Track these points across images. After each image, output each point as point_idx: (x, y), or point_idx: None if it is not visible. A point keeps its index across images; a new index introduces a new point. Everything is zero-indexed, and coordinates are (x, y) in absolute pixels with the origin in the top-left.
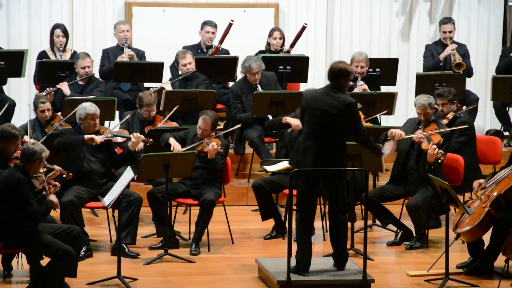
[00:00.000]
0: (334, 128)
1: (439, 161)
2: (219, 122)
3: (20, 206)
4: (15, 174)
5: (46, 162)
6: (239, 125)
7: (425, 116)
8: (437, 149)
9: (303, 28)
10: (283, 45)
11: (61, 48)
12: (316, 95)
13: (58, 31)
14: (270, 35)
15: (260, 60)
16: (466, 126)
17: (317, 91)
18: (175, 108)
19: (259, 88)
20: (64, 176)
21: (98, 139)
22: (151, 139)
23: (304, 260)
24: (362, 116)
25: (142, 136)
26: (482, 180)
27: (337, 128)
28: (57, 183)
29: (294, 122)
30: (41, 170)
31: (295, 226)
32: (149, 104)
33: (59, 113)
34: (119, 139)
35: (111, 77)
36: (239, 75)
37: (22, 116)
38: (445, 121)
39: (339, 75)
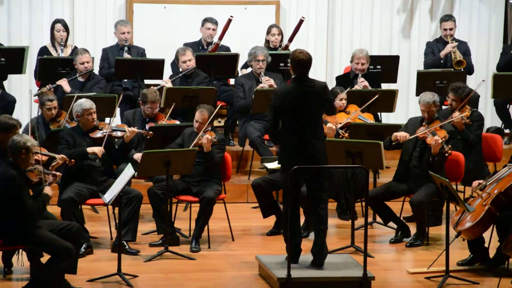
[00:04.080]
0: (317, 115)
1: (446, 154)
2: (219, 119)
3: (14, 204)
4: (7, 171)
5: (35, 152)
6: None
7: (429, 113)
8: (440, 140)
9: (301, 21)
10: (281, 41)
11: (62, 43)
12: (290, 90)
13: (58, 26)
14: (268, 32)
15: (267, 50)
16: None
17: (290, 85)
18: (172, 106)
19: (263, 78)
20: (67, 163)
21: (100, 152)
22: (151, 132)
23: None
24: (358, 109)
25: (136, 129)
26: (482, 181)
27: (319, 115)
28: (58, 173)
29: None
30: (34, 161)
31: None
32: (153, 101)
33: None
34: (119, 133)
35: (110, 81)
36: (240, 72)
37: (23, 113)
38: (466, 113)
39: (309, 65)
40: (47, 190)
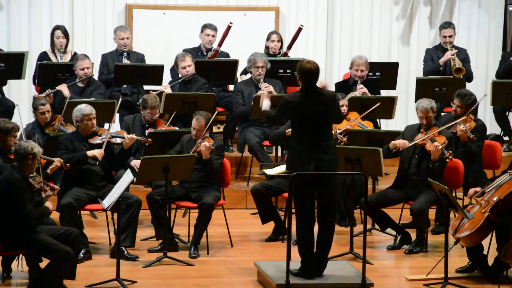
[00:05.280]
0: (326, 123)
1: (447, 160)
2: (218, 125)
3: (15, 207)
4: (12, 175)
5: (40, 159)
6: None
7: (427, 120)
8: (440, 146)
9: (299, 29)
10: (281, 48)
11: (61, 50)
12: (303, 98)
13: (58, 32)
14: (268, 38)
15: (266, 57)
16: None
17: (300, 95)
18: (173, 114)
19: (263, 85)
20: (63, 167)
21: (100, 155)
22: (149, 139)
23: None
24: (358, 116)
25: (135, 136)
26: (478, 188)
27: (330, 123)
28: (56, 186)
29: None
30: (38, 167)
31: (296, 232)
32: (153, 107)
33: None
34: (118, 140)
35: (109, 86)
36: (239, 78)
37: (22, 118)
38: (469, 121)
39: (317, 75)
40: (48, 204)
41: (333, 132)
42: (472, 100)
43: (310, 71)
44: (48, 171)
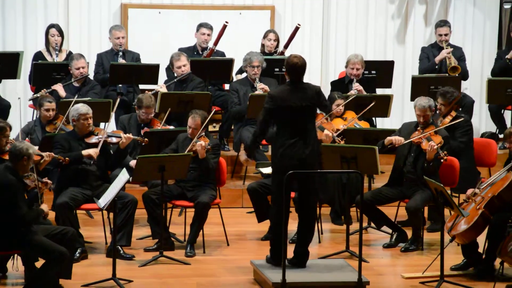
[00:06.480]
0: (311, 118)
1: (442, 160)
2: (214, 124)
3: (10, 209)
4: (5, 176)
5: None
6: None
7: (424, 118)
8: (436, 146)
9: (296, 28)
10: (277, 47)
11: (56, 48)
12: (286, 93)
13: (53, 31)
14: (265, 36)
15: (262, 56)
16: (462, 119)
17: (285, 89)
18: (168, 111)
19: (258, 85)
20: (61, 161)
21: (95, 154)
22: (146, 139)
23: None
24: (355, 116)
25: (132, 136)
26: (477, 190)
27: (313, 117)
28: (48, 180)
29: None
30: (32, 167)
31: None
32: (148, 106)
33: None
34: (114, 140)
35: (105, 86)
36: (235, 77)
37: (17, 118)
38: (449, 118)
39: (303, 70)
40: (44, 206)
41: (330, 134)
42: (454, 97)
43: (296, 66)
44: (38, 166)
